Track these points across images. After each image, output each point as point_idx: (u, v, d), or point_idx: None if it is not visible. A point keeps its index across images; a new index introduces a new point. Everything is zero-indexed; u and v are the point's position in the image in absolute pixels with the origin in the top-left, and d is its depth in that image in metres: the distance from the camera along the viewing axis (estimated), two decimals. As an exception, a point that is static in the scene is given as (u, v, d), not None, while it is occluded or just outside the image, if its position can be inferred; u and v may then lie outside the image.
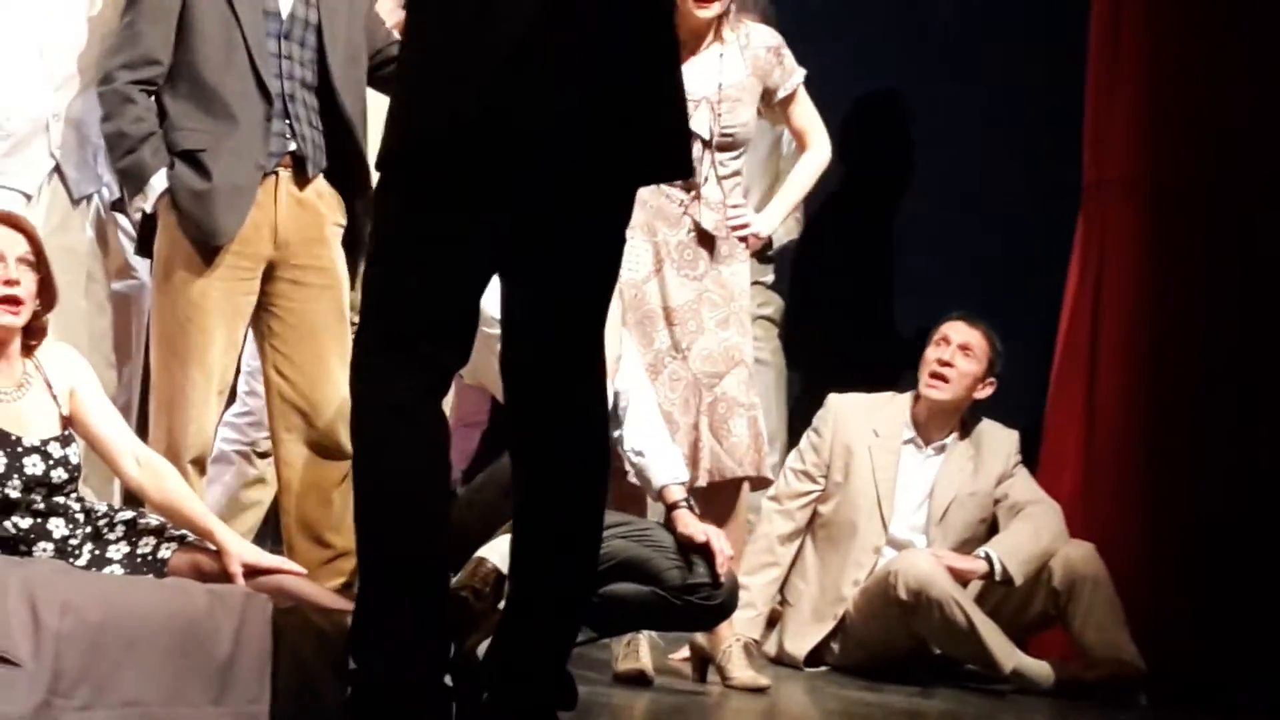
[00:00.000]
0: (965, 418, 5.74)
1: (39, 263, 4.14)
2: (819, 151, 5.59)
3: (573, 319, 3.54)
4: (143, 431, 4.69)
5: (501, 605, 3.73)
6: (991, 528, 5.66)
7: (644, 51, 3.46)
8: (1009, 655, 5.36)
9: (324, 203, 4.83)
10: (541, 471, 3.51)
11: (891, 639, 5.50)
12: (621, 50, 3.43)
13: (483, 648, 3.76)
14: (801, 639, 5.63)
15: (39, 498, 4.12)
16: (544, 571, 3.50)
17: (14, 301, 4.09)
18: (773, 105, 5.56)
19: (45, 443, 4.16)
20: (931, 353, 5.68)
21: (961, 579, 5.44)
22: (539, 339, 3.54)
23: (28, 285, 4.10)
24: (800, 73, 5.53)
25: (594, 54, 3.40)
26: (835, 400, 5.77)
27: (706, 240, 5.37)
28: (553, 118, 3.39)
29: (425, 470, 3.43)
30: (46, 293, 4.18)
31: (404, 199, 3.48)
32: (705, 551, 4.55)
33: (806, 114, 5.59)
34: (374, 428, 3.44)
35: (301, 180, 4.79)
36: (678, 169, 3.60)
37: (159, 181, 4.71)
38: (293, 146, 4.76)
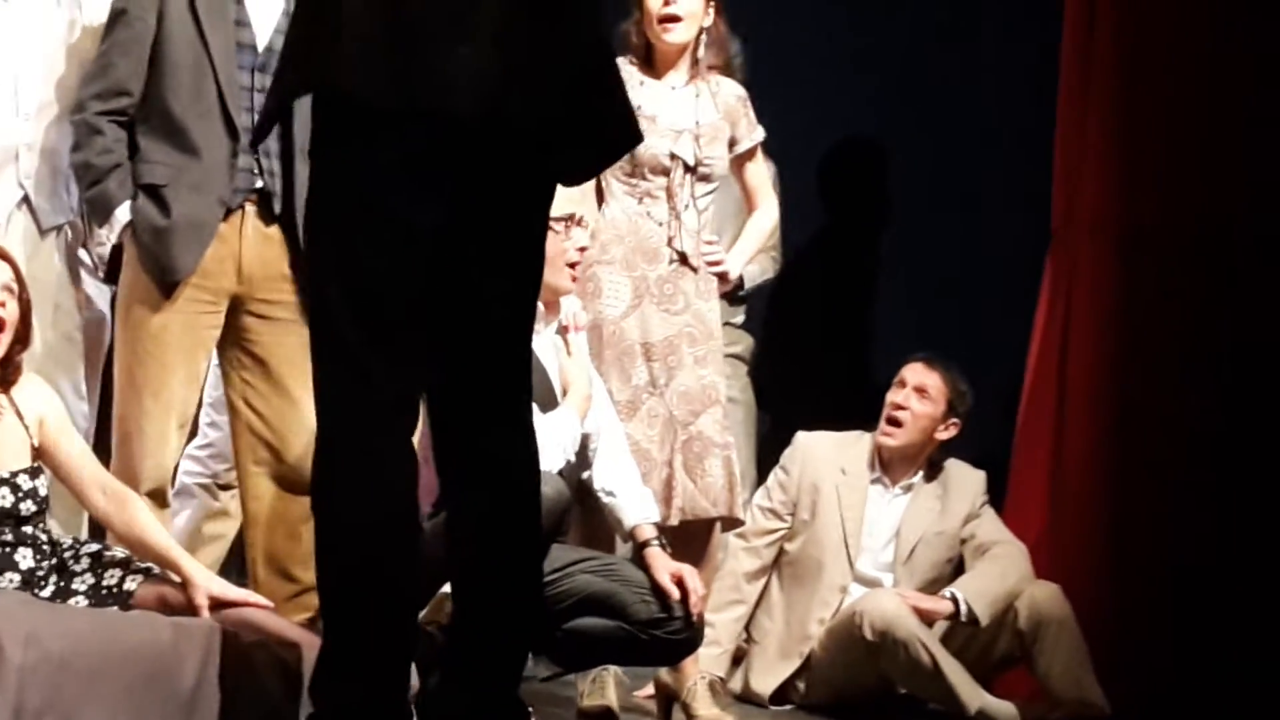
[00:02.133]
0: (932, 457, 5.74)
1: (20, 291, 4.16)
2: (767, 212, 5.64)
3: (492, 338, 3.47)
4: (103, 462, 4.69)
5: None
6: (958, 568, 5.66)
7: (569, 33, 3.44)
8: (974, 696, 5.36)
9: (292, 237, 4.81)
10: (464, 504, 3.48)
11: (857, 678, 5.49)
12: (548, 31, 3.40)
13: None
14: (767, 677, 5.62)
15: (7, 529, 4.12)
16: (479, 610, 3.48)
17: None
18: (730, 156, 5.58)
19: (14, 475, 4.16)
20: (890, 395, 5.71)
21: (927, 619, 5.44)
22: (457, 366, 3.47)
23: (10, 312, 4.11)
24: (760, 132, 5.59)
25: (523, 35, 3.37)
26: (803, 438, 5.78)
27: (686, 273, 5.39)
28: (481, 100, 3.34)
29: (390, 505, 3.39)
30: (25, 324, 4.19)
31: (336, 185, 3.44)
32: (677, 589, 4.55)
33: (759, 174, 5.64)
34: (335, 463, 3.40)
35: (268, 216, 4.79)
36: (626, 142, 3.55)
37: (123, 214, 4.73)
38: (259, 183, 4.76)
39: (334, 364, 3.36)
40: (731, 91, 5.53)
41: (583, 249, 4.97)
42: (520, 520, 3.46)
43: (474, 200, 3.35)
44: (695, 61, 5.44)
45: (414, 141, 3.31)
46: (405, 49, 3.31)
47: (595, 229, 5.38)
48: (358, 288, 3.33)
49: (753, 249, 5.67)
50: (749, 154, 5.58)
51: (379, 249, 3.32)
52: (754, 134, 5.57)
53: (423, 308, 3.40)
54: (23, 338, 4.20)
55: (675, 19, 5.31)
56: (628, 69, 5.38)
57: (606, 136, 3.51)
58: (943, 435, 5.71)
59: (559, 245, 4.73)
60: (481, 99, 3.32)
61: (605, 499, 4.74)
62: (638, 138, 3.55)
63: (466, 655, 3.45)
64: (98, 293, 5.09)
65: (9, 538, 4.12)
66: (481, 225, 3.37)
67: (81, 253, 5.06)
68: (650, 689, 5.19)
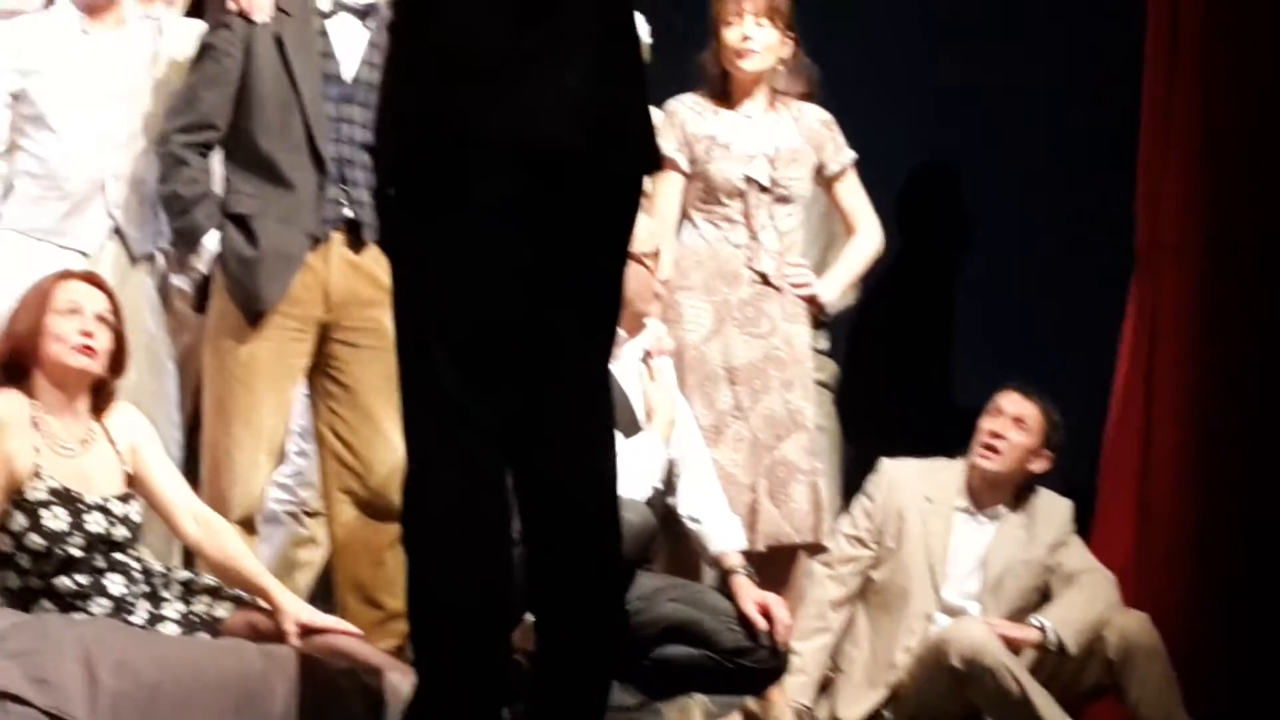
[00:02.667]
0: (1020, 487, 5.68)
1: (115, 321, 4.23)
2: (869, 236, 5.62)
3: (573, 364, 3.45)
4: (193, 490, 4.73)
5: None
6: (1044, 597, 5.59)
7: (612, 62, 3.45)
8: None
9: (381, 265, 4.74)
10: (544, 529, 3.45)
11: (944, 706, 5.44)
12: (592, 61, 3.41)
13: None
14: (854, 705, 5.55)
15: (99, 556, 4.17)
16: (561, 638, 3.44)
17: (90, 350, 4.16)
18: (822, 181, 5.59)
19: (107, 500, 4.22)
20: (985, 422, 5.65)
21: (1015, 647, 5.37)
22: (540, 391, 3.43)
23: (104, 341, 4.18)
24: (851, 154, 5.59)
25: (568, 66, 3.37)
26: (888, 465, 5.73)
27: (770, 295, 5.41)
28: (537, 129, 3.33)
29: (483, 537, 3.38)
30: (120, 354, 4.25)
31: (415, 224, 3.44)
32: (763, 618, 4.56)
33: (855, 195, 5.62)
34: (426, 496, 3.40)
35: (356, 244, 4.83)
36: (648, 163, 3.55)
37: (211, 243, 4.78)
38: (348, 213, 4.82)
39: (424, 395, 3.36)
40: (815, 117, 5.55)
41: (666, 281, 5.01)
42: (601, 545, 3.45)
43: (567, 233, 3.35)
44: (773, 91, 5.48)
45: (509, 175, 3.31)
46: (501, 81, 3.32)
47: (675, 255, 5.42)
48: (451, 322, 3.33)
49: (851, 273, 5.67)
50: (839, 176, 5.59)
51: (472, 284, 3.32)
52: (842, 156, 5.58)
53: (514, 339, 3.40)
54: (117, 366, 4.27)
55: (751, 51, 5.35)
56: (700, 101, 5.43)
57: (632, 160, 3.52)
58: (1035, 467, 5.66)
59: (646, 279, 4.76)
60: (577, 131, 3.33)
61: (690, 525, 4.74)
62: (657, 164, 3.59)
63: (550, 685, 3.44)
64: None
65: (101, 564, 4.18)
66: (573, 258, 3.37)
67: (177, 280, 5.12)
68: (737, 717, 5.18)
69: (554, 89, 3.34)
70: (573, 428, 3.40)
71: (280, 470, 5.24)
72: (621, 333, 4.77)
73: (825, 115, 5.58)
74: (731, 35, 5.30)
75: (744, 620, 4.55)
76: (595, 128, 3.36)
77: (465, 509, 3.32)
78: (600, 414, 3.46)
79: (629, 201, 3.48)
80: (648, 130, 3.51)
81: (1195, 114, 6.09)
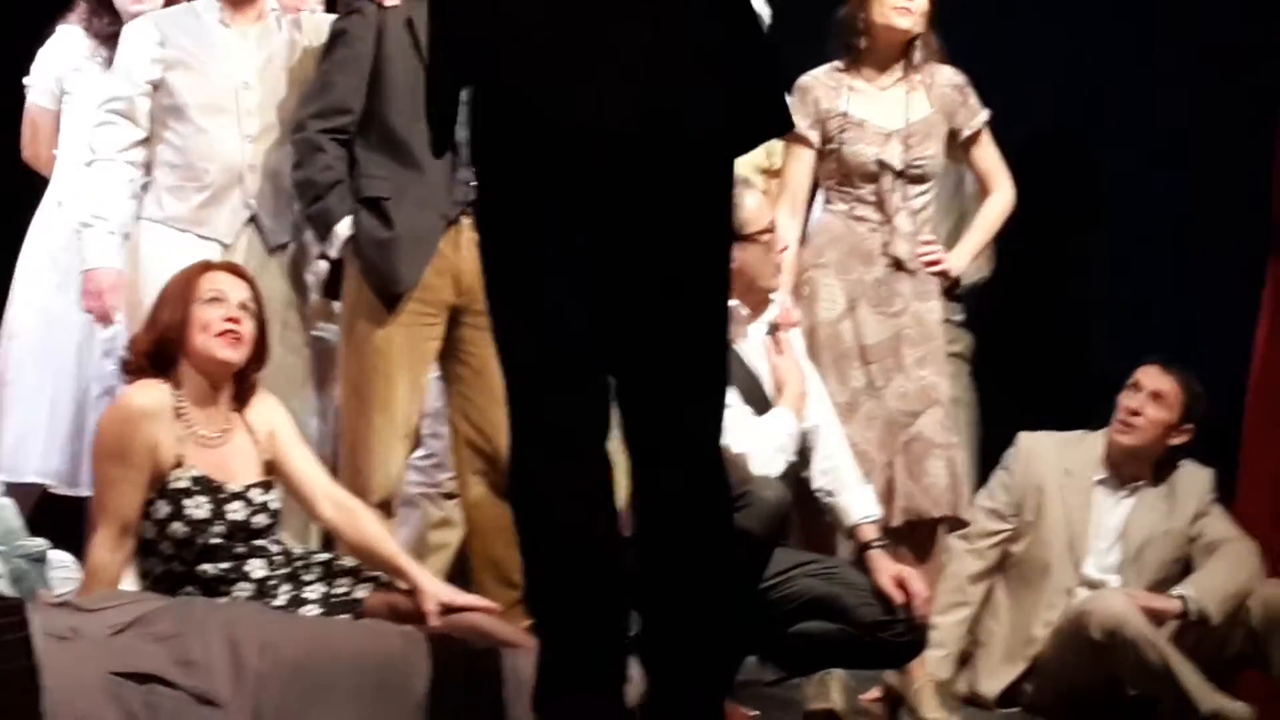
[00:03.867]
0: (1160, 460, 5.68)
1: (257, 310, 4.28)
2: (1003, 194, 5.58)
3: (681, 318, 3.36)
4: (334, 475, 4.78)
5: None
6: (1186, 567, 5.58)
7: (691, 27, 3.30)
8: (1207, 696, 5.23)
9: None
10: (653, 508, 3.40)
11: (1085, 679, 5.40)
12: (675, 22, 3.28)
13: None
14: (994, 679, 5.57)
15: (240, 542, 4.23)
16: (676, 604, 3.39)
17: (235, 337, 4.22)
18: (957, 145, 5.57)
19: (247, 489, 4.26)
20: (1124, 398, 5.61)
21: (1156, 618, 5.35)
22: (643, 352, 3.36)
23: (248, 329, 4.23)
24: (984, 113, 5.55)
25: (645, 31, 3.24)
26: (1026, 438, 5.73)
27: (902, 275, 5.39)
28: (612, 105, 3.23)
29: (588, 514, 3.35)
30: (262, 343, 4.30)
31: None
32: (900, 592, 4.57)
33: (990, 155, 5.59)
34: (529, 477, 3.37)
35: None
36: (773, 125, 3.44)
37: (344, 228, 4.84)
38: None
39: (515, 374, 3.37)
40: (947, 80, 5.53)
41: (783, 249, 5.01)
42: (714, 502, 3.41)
43: (640, 215, 3.30)
44: (910, 61, 5.46)
45: (564, 154, 3.24)
46: (545, 52, 3.23)
47: (809, 231, 5.42)
48: (534, 307, 3.32)
49: (981, 241, 5.64)
50: (973, 139, 5.57)
51: (552, 265, 3.30)
52: (975, 119, 5.55)
53: (604, 313, 3.37)
54: (259, 355, 4.32)
55: (909, 10, 5.32)
56: (834, 76, 5.41)
57: (756, 122, 3.41)
58: (1176, 440, 5.63)
59: (763, 256, 4.76)
60: (637, 107, 3.24)
61: (825, 499, 4.75)
62: (787, 125, 3.45)
63: (668, 657, 3.40)
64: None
65: (242, 550, 4.23)
66: (650, 239, 3.31)
67: (320, 266, 5.20)
68: (876, 692, 5.20)
69: (609, 59, 3.21)
70: (679, 404, 3.36)
71: (415, 453, 5.29)
72: (745, 310, 4.79)
73: (957, 78, 5.55)
74: None
75: (881, 594, 4.56)
76: (662, 101, 3.24)
77: (561, 484, 3.32)
78: (710, 390, 3.41)
79: (707, 181, 3.37)
80: (743, 102, 3.35)
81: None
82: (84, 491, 5.48)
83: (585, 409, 3.34)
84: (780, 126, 3.44)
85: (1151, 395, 5.58)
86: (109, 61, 5.56)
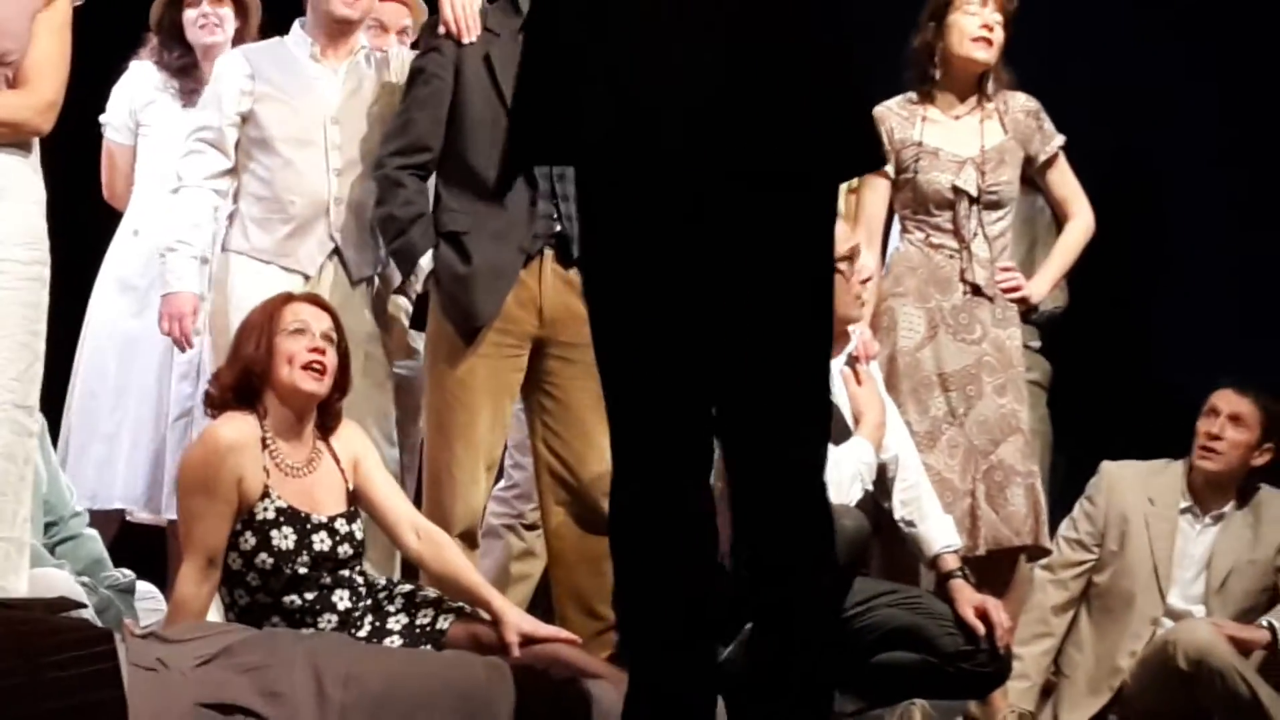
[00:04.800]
0: (1244, 485, 5.63)
1: (339, 340, 4.32)
2: (1083, 220, 5.57)
3: (783, 350, 3.33)
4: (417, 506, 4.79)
5: None
6: (1273, 596, 5.53)
7: (786, 47, 3.28)
8: None
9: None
10: (756, 537, 3.37)
11: (1171, 709, 5.36)
12: (757, 48, 3.25)
13: None
14: (1077, 711, 5.53)
15: (325, 572, 4.25)
16: (781, 634, 3.36)
17: (320, 369, 4.25)
18: (1033, 170, 5.56)
19: (333, 519, 4.29)
20: (1202, 424, 5.59)
21: (1244, 649, 5.32)
22: (745, 383, 3.34)
23: (330, 359, 4.27)
24: (1060, 138, 5.54)
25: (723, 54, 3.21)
26: (1109, 468, 5.69)
27: (981, 301, 5.40)
28: (691, 127, 3.20)
29: (689, 545, 3.34)
30: (344, 373, 4.34)
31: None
32: (982, 622, 4.56)
33: (1067, 181, 5.58)
34: (631, 505, 3.35)
35: (567, 260, 4.87)
36: (864, 161, 3.48)
37: (426, 262, 4.88)
38: (559, 228, 4.87)
39: (622, 409, 3.36)
40: (1020, 107, 5.53)
41: (866, 280, 5.02)
42: (817, 531, 3.37)
43: (742, 242, 3.28)
44: (983, 91, 5.46)
45: (682, 189, 3.23)
46: (637, 91, 3.22)
47: (887, 261, 5.43)
48: (637, 342, 3.31)
49: (1062, 268, 5.63)
50: (1049, 163, 5.56)
51: (653, 300, 3.29)
52: (1052, 143, 5.55)
53: (706, 345, 3.35)
54: (341, 385, 4.36)
55: (989, 41, 5.33)
56: (907, 106, 5.42)
57: (846, 155, 3.37)
58: (1258, 461, 5.59)
59: (843, 286, 4.75)
60: (749, 147, 3.22)
61: (906, 529, 4.75)
62: (881, 160, 3.50)
63: (774, 687, 3.36)
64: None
65: (327, 580, 4.25)
66: (746, 269, 3.28)
67: (404, 301, 5.23)
68: None
69: (706, 97, 3.18)
70: (781, 434, 3.34)
71: (498, 485, 5.32)
72: None
73: (1031, 104, 5.55)
74: (970, 23, 5.27)
75: (963, 624, 4.55)
76: (758, 137, 3.22)
77: (661, 517, 3.31)
78: (811, 418, 3.38)
79: (804, 213, 3.34)
80: (840, 137, 3.31)
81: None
82: (164, 518, 5.57)
83: (688, 442, 3.34)
84: (876, 160, 3.49)
85: (1230, 418, 5.54)
86: (181, 92, 5.69)
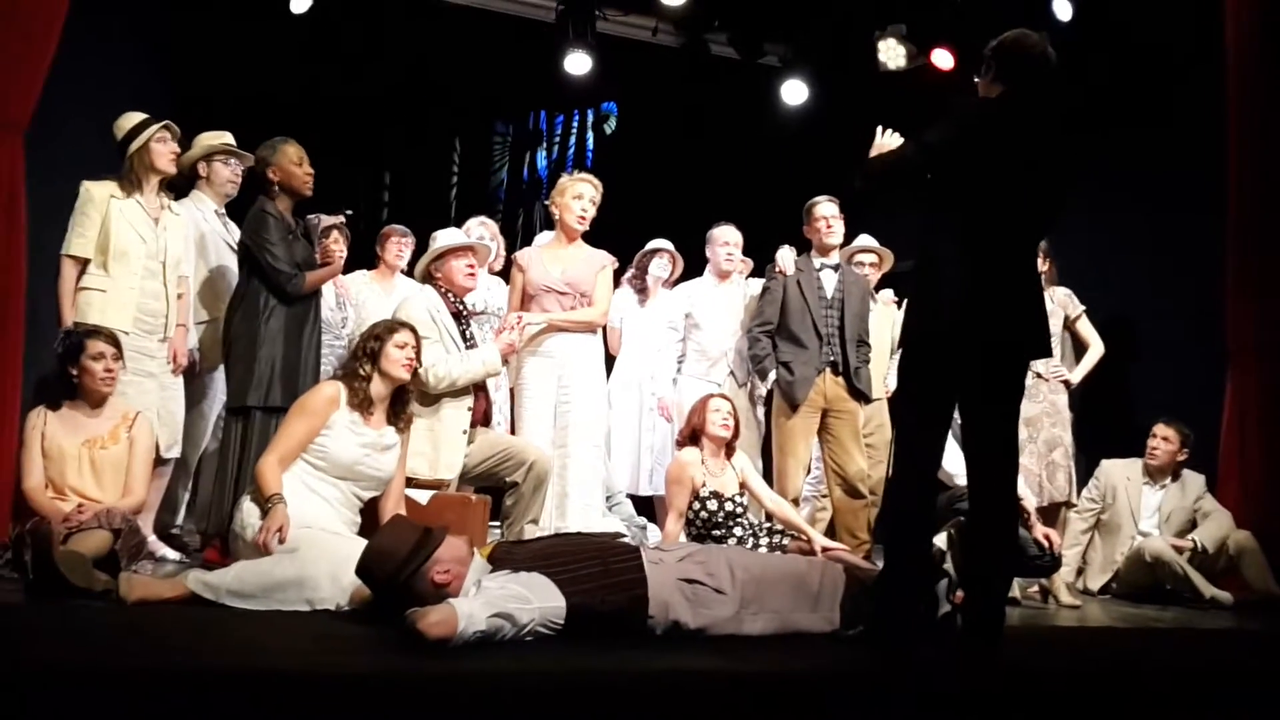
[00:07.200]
0: (1174, 470, 5.43)
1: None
2: (1097, 349, 5.32)
3: (1003, 444, 3.13)
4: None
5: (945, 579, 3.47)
6: (1193, 525, 5.37)
7: (1029, 288, 3.12)
8: (1207, 588, 5.09)
9: (849, 383, 4.96)
10: (986, 493, 3.15)
11: (1143, 582, 5.25)
12: (1022, 286, 3.09)
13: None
14: (1095, 580, 5.41)
15: (731, 519, 4.36)
16: (989, 560, 3.16)
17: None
18: (1069, 325, 5.36)
19: (733, 495, 4.39)
20: (1150, 441, 5.43)
21: (1179, 550, 5.21)
22: (991, 458, 3.12)
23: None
24: (1083, 307, 5.29)
25: (1009, 290, 3.04)
26: (1105, 464, 5.55)
27: (1041, 382, 5.20)
28: (992, 330, 3.02)
29: (920, 509, 3.15)
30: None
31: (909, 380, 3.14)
32: (1047, 540, 4.33)
33: (1088, 328, 5.36)
34: (904, 487, 3.12)
35: (837, 372, 4.96)
36: (1045, 350, 3.18)
37: (771, 376, 4.98)
38: (833, 358, 4.97)
39: (904, 441, 3.15)
40: (1063, 294, 5.28)
41: None
42: (1013, 521, 3.20)
43: (993, 381, 3.12)
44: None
45: (972, 353, 3.09)
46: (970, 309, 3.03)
47: None
48: (918, 423, 3.17)
49: (1086, 370, 5.31)
50: (1077, 319, 5.32)
51: (934, 402, 3.16)
52: (1078, 310, 5.29)
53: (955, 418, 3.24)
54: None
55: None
56: None
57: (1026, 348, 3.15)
58: (1180, 458, 5.42)
59: None
60: (1017, 335, 3.10)
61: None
62: (1048, 351, 3.18)
63: (990, 583, 3.12)
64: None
65: (731, 523, 4.39)
66: (995, 397, 3.15)
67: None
68: (1036, 587, 4.95)
69: (1000, 307, 3.01)
70: (999, 461, 3.18)
71: (807, 477, 5.30)
72: None
73: (1065, 290, 5.33)
74: None
75: (1036, 541, 4.34)
76: (1021, 332, 3.05)
77: (919, 496, 3.16)
78: (1012, 453, 3.18)
79: (1021, 371, 3.18)
80: (1041, 333, 3.12)
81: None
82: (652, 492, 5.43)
83: (935, 461, 3.15)
84: (1047, 351, 3.18)
85: (1163, 438, 5.40)
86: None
